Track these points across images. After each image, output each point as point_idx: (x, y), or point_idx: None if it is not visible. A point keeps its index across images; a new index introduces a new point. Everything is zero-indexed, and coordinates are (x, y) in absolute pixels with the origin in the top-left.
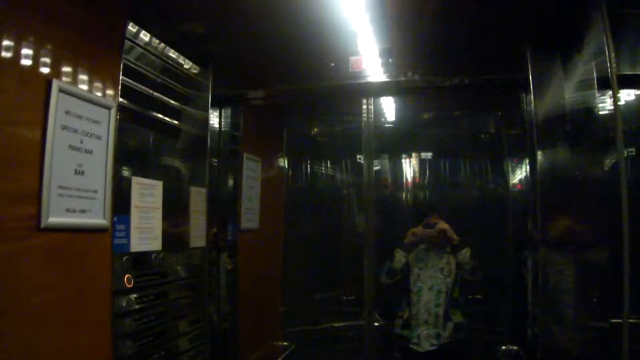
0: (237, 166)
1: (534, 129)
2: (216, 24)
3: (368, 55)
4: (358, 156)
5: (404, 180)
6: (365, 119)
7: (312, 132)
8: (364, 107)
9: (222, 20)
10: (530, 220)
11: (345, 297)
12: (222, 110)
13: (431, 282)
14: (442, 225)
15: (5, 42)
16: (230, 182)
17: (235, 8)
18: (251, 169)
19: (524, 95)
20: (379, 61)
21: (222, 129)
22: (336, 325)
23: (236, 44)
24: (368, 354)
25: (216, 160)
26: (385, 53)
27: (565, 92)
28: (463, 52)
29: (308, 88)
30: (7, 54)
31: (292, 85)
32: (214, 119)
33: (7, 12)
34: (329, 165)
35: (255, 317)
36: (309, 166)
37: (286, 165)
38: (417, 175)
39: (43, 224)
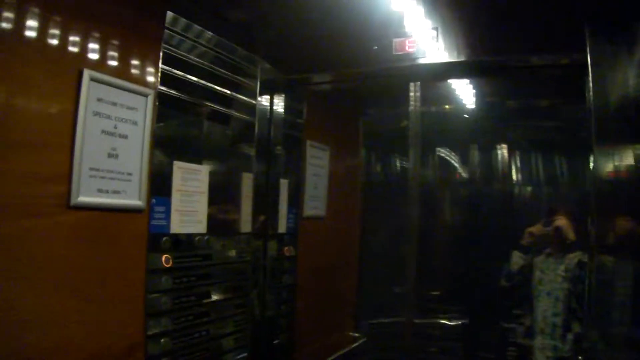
0: (298, 153)
1: (592, 116)
2: (260, 10)
3: (413, 36)
4: (437, 149)
5: (492, 174)
6: (412, 106)
7: (392, 121)
8: (411, 93)
9: (265, 6)
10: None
11: (428, 292)
12: (274, 97)
13: (550, 288)
14: (559, 221)
15: (39, 32)
16: (288, 169)
17: None
18: (316, 157)
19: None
20: (424, 42)
21: (275, 116)
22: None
23: (280, 30)
24: (407, 351)
25: (267, 147)
26: (431, 33)
27: (629, 75)
28: (516, 31)
29: (351, 73)
30: (40, 44)
31: (329, 71)
32: (265, 105)
33: (40, 3)
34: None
35: (319, 306)
36: (389, 157)
37: (363, 155)
38: (505, 169)
39: (72, 202)
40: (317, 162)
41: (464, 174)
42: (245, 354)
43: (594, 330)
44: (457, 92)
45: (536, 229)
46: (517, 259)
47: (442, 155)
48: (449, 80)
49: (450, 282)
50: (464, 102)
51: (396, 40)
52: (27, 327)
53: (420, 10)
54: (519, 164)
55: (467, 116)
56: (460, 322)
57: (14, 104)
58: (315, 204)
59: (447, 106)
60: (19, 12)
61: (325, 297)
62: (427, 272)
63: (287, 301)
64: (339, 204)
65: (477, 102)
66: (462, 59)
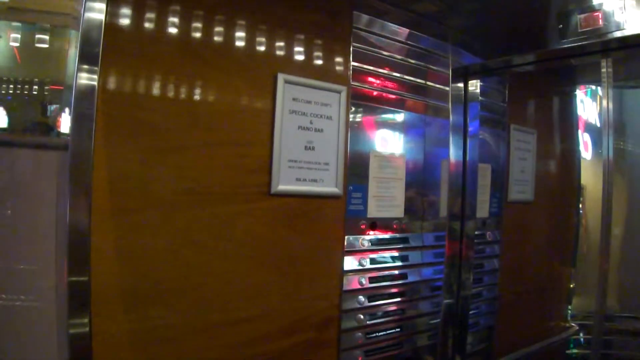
0: (501, 138)
1: None
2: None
3: (596, 11)
4: None
5: None
6: (605, 83)
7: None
8: (603, 69)
9: None
10: None
11: None
12: (469, 82)
13: None
14: None
15: (240, 45)
16: (491, 154)
17: None
18: (522, 141)
19: None
20: (610, 16)
21: (470, 101)
22: None
23: (469, 16)
24: (594, 347)
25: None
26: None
27: None
28: None
29: (546, 52)
30: (241, 55)
31: (523, 54)
32: (460, 91)
33: (245, 17)
34: None
35: (526, 291)
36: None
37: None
38: None
39: (273, 190)
40: (523, 146)
41: None
42: (437, 334)
43: None
44: None
45: None
46: None
47: None
48: None
49: None
50: None
51: (581, 16)
52: (238, 296)
53: None
54: None
55: None
56: None
57: (222, 109)
58: (521, 188)
59: None
60: (225, 28)
61: (532, 282)
62: None
63: (489, 285)
64: (550, 187)
65: None
66: None
